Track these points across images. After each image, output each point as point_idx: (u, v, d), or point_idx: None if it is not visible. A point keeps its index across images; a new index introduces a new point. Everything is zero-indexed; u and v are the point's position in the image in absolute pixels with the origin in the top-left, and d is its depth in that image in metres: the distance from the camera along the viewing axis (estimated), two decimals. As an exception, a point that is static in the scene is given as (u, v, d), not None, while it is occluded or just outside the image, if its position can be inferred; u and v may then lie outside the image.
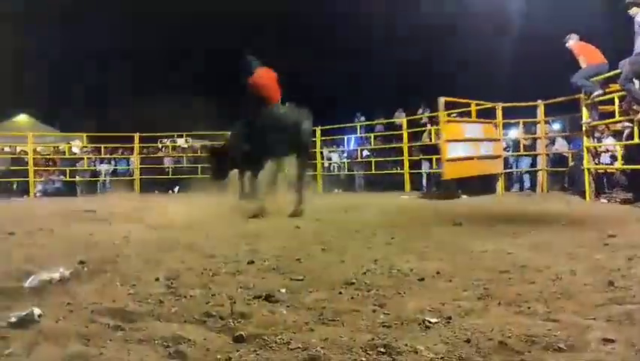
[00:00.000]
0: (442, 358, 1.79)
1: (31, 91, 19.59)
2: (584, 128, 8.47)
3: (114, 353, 1.85)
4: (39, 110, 20.85)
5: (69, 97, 19.97)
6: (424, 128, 13.20)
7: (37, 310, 2.20)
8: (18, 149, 15.06)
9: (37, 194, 14.10)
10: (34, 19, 19.04)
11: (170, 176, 14.97)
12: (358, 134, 14.95)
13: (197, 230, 5.38)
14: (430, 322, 2.14)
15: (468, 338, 1.94)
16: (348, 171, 14.51)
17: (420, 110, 14.24)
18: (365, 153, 14.36)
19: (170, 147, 16.33)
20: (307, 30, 20.28)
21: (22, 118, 21.40)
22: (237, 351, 1.87)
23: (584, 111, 8.44)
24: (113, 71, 20.37)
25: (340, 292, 2.68)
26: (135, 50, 20.26)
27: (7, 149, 15.39)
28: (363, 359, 1.81)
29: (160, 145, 16.43)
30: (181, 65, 21.23)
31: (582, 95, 8.43)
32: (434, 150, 12.46)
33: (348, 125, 15.03)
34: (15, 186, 14.43)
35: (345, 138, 15.32)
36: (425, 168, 12.95)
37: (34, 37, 18.70)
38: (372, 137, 14.27)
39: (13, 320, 2.14)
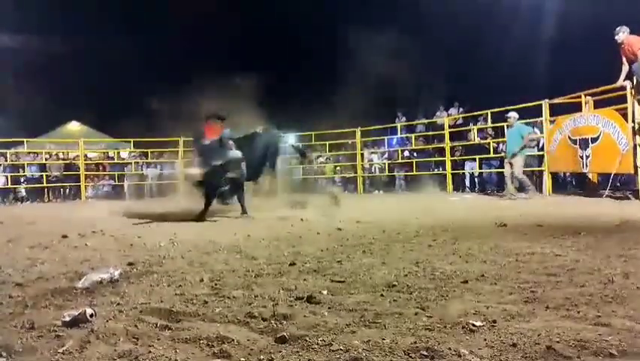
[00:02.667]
0: (486, 362, 1.76)
1: (80, 97, 20.24)
2: (635, 126, 8.10)
3: (162, 352, 1.90)
4: (88, 116, 21.57)
5: (113, 102, 20.53)
6: (469, 128, 12.95)
7: (89, 310, 2.28)
8: (70, 155, 15.71)
9: (88, 197, 14.71)
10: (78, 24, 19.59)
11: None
12: (399, 135, 14.82)
13: (239, 232, 5.46)
14: (474, 325, 2.09)
15: (514, 343, 1.89)
16: (389, 171, 14.42)
17: (453, 110, 14.00)
18: (406, 153, 14.22)
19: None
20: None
21: (73, 125, 22.27)
22: (280, 352, 1.89)
23: (636, 106, 8.07)
24: (155, 72, 20.74)
25: (382, 295, 2.67)
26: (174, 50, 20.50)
27: (60, 155, 16.06)
28: (406, 362, 1.79)
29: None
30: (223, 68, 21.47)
31: (629, 91, 8.07)
32: (478, 149, 12.24)
33: (388, 125, 14.91)
34: (67, 191, 15.11)
35: (386, 138, 15.18)
36: (468, 168, 12.71)
37: (79, 43, 19.30)
38: (413, 137, 14.11)
39: (67, 319, 2.23)
